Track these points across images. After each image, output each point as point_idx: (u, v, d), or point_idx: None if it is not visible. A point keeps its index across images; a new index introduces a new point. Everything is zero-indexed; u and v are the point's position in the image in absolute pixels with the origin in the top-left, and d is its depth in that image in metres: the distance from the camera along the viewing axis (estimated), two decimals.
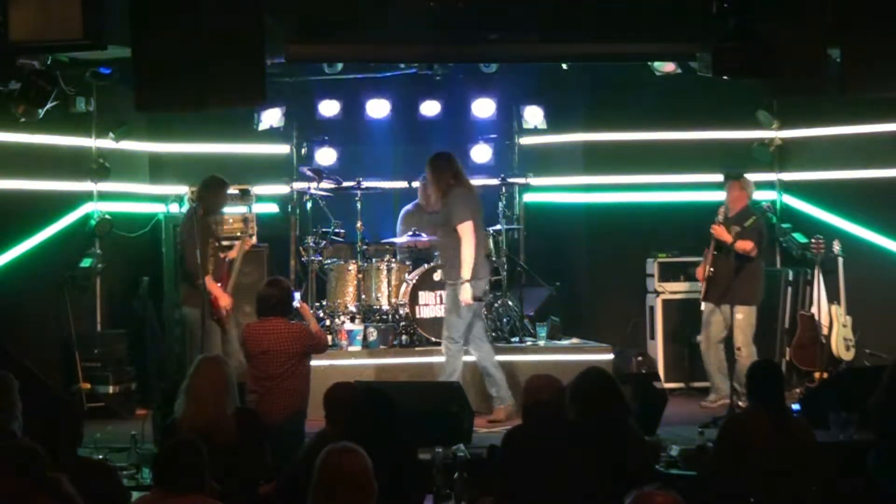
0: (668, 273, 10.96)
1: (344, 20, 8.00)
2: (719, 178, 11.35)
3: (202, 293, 8.50)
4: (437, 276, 10.02)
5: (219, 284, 8.80)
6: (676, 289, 10.92)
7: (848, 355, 10.31)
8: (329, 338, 9.39)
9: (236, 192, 10.22)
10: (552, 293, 10.96)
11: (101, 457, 6.98)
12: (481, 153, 11.68)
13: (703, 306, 9.94)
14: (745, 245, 9.43)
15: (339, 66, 10.37)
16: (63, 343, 9.84)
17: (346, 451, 4.26)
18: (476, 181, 11.29)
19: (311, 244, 10.42)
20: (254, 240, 9.53)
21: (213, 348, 8.50)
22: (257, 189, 10.50)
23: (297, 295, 8.42)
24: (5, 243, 9.65)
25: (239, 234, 10.02)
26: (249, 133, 11.02)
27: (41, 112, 8.54)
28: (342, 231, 10.59)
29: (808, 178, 11.34)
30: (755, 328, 9.66)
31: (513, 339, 10.37)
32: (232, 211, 10.21)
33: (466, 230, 8.89)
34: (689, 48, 8.43)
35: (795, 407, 8.59)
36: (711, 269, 9.60)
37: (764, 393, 5.95)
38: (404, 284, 10.18)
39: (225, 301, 8.75)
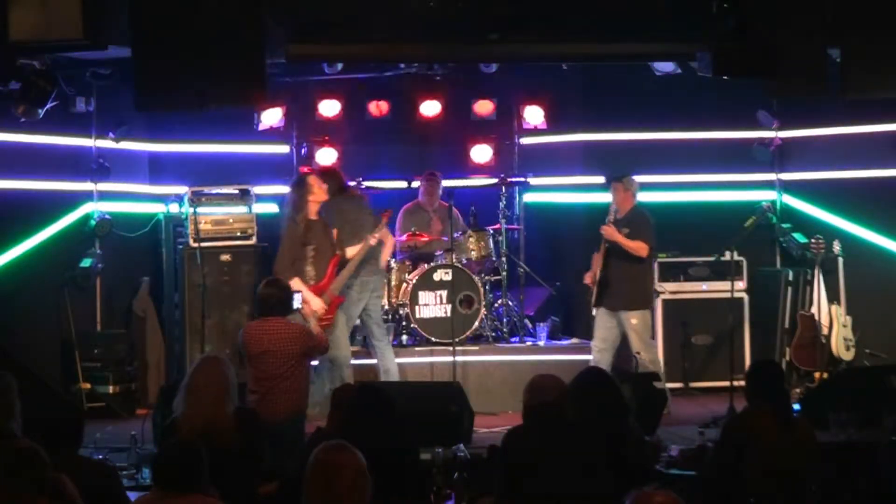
0: (668, 273, 10.94)
1: (344, 20, 8.00)
2: (719, 178, 11.39)
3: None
4: (437, 276, 10.04)
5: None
6: (676, 289, 10.90)
7: (848, 355, 10.31)
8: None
9: (236, 191, 10.22)
10: (552, 293, 10.96)
11: (101, 457, 6.98)
12: (481, 153, 11.67)
13: (594, 312, 9.60)
14: (638, 247, 9.23)
15: (339, 66, 10.37)
16: (63, 343, 9.84)
17: (338, 449, 4.25)
18: (476, 181, 11.35)
19: None
20: (374, 240, 9.18)
21: (341, 343, 8.77)
22: (257, 189, 10.49)
23: (299, 296, 8.42)
24: (5, 243, 9.66)
25: (239, 234, 10.03)
26: (249, 133, 11.01)
27: (41, 112, 8.54)
28: None
29: (808, 178, 11.33)
30: (650, 330, 9.50)
31: (513, 339, 10.38)
32: (231, 211, 10.20)
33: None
34: (689, 48, 8.43)
35: (796, 407, 8.58)
36: (601, 274, 9.33)
37: (768, 393, 5.94)
38: (404, 284, 10.18)
39: (316, 304, 8.68)
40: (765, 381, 6.03)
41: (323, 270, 8.82)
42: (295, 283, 8.51)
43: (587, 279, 9.52)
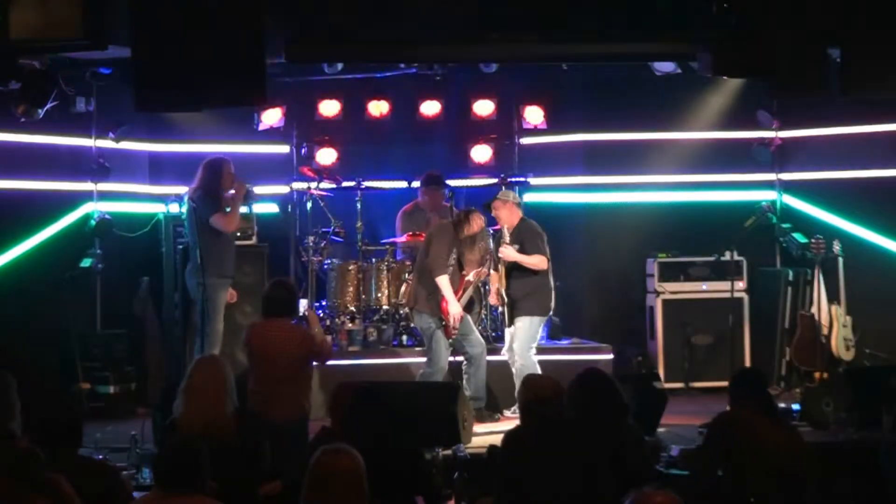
0: (668, 273, 10.95)
1: (344, 20, 8.00)
2: (719, 178, 11.39)
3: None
4: None
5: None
6: (676, 289, 10.91)
7: (848, 355, 10.31)
8: (329, 338, 9.39)
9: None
10: None
11: (101, 457, 6.98)
12: (481, 153, 11.66)
13: (507, 330, 9.36)
14: (537, 261, 9.09)
15: (339, 66, 10.37)
16: (63, 343, 9.84)
17: (338, 452, 4.26)
18: (476, 181, 11.35)
19: (311, 244, 10.41)
20: (486, 270, 9.46)
21: (443, 353, 8.97)
22: (257, 189, 10.49)
23: (304, 302, 8.42)
24: (5, 243, 9.66)
25: (238, 234, 10.01)
26: (249, 133, 11.01)
27: (41, 112, 8.55)
28: (342, 231, 10.58)
29: (808, 178, 11.34)
30: (535, 341, 9.18)
31: None
32: None
33: None
34: (689, 48, 8.43)
35: (796, 407, 8.60)
36: (508, 292, 9.20)
37: (754, 395, 5.94)
38: (404, 284, 10.17)
39: (455, 309, 8.94)
40: (752, 384, 6.04)
41: (455, 281, 9.08)
42: (442, 282, 8.88)
43: (495, 300, 9.49)
